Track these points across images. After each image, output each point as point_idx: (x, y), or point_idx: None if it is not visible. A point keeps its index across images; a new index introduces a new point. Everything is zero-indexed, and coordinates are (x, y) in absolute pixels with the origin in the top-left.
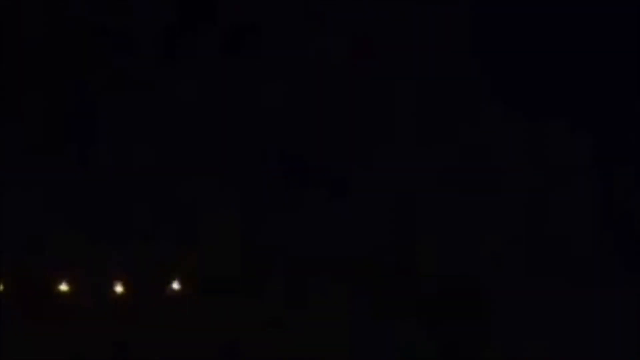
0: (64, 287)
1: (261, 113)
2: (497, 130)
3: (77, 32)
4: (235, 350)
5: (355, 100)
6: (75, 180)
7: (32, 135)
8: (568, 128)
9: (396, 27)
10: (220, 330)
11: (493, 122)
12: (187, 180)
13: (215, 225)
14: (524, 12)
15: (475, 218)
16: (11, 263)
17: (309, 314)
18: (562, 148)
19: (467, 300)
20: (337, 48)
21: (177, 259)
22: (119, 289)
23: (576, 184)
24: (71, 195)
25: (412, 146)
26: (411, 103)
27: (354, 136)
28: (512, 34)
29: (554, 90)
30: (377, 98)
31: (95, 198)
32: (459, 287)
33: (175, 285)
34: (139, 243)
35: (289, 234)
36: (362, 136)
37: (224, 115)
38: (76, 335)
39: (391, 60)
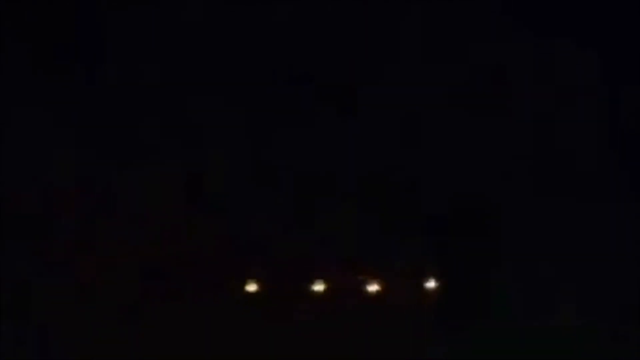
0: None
1: (269, 29)
2: (504, 48)
3: None
4: None
5: (364, 17)
6: (82, 98)
7: (39, 53)
8: (575, 45)
9: None
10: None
11: (500, 40)
12: (194, 98)
13: (223, 142)
14: None
15: (483, 136)
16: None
17: (316, 230)
18: (569, 65)
19: (475, 217)
20: None
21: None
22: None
23: (583, 100)
24: (79, 113)
25: (420, 63)
26: (419, 20)
27: (362, 53)
28: None
29: (560, 7)
30: (385, 14)
31: (102, 116)
32: (466, 205)
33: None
34: (146, 161)
35: (297, 151)
36: (371, 53)
37: (231, 31)
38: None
39: None
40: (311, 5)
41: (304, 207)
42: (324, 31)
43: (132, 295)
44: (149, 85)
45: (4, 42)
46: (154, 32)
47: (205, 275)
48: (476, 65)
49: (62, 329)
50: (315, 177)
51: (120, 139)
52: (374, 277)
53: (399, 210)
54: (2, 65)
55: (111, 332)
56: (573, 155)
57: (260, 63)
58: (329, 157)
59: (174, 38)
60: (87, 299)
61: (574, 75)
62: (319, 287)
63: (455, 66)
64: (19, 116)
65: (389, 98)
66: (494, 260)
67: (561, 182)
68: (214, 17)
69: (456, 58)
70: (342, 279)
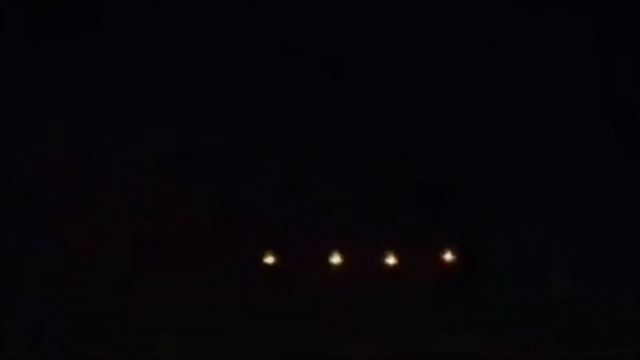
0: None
1: None
2: (499, 18)
3: None
4: None
5: None
6: (75, 66)
7: (32, 21)
8: (569, 17)
9: None
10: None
11: (495, 10)
12: (188, 67)
13: (217, 111)
14: None
15: (477, 106)
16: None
17: (310, 200)
18: (564, 37)
19: (468, 188)
20: None
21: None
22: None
23: (577, 72)
24: (72, 82)
25: (414, 34)
26: None
27: (355, 22)
28: None
29: None
30: None
31: (95, 85)
32: (460, 175)
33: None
34: (140, 130)
35: (291, 121)
36: (364, 22)
37: (225, 1)
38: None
39: None
40: None
41: (298, 177)
42: (318, 1)
43: (126, 265)
44: (143, 53)
45: None
46: (148, 0)
47: (199, 244)
48: (470, 35)
49: (56, 299)
50: (309, 147)
51: (114, 108)
52: (368, 247)
53: (393, 180)
54: None
55: (105, 302)
56: (567, 125)
57: (254, 33)
58: (324, 126)
59: (168, 6)
60: (80, 269)
61: (568, 45)
62: (334, 259)
63: (449, 36)
64: (11, 85)
65: (384, 68)
66: (488, 227)
67: (555, 151)
68: None
69: (451, 29)
70: (333, 247)
